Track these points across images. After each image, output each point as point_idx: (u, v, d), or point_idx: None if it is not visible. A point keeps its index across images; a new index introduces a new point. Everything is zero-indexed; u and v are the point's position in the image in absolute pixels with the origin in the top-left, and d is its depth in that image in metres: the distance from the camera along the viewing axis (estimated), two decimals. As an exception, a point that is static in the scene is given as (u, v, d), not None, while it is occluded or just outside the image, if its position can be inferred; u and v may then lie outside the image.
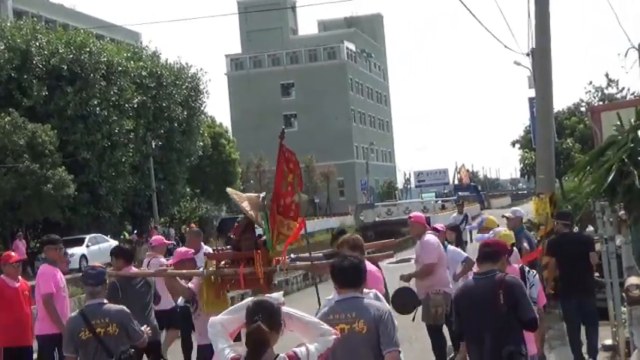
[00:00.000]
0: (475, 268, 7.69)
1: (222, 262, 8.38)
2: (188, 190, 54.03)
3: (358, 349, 5.74)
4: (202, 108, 54.47)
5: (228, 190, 9.09)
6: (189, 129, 51.24)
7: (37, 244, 43.28)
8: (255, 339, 4.43)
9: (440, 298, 10.68)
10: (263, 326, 4.43)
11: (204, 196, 59.70)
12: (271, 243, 8.16)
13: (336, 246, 8.50)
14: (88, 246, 36.42)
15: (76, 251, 35.37)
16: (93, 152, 41.75)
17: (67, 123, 41.21)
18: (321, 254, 9.16)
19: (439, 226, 12.24)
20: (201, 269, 8.64)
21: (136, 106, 45.40)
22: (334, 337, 4.84)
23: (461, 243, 15.71)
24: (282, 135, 8.47)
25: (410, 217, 11.46)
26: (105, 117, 42.46)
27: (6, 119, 37.34)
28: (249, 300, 4.74)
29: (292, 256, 8.96)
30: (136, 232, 46.56)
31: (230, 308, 4.88)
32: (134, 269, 10.16)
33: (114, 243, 38.98)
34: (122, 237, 41.99)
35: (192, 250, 9.46)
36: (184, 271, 8.66)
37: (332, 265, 6.10)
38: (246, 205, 8.28)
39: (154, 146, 47.28)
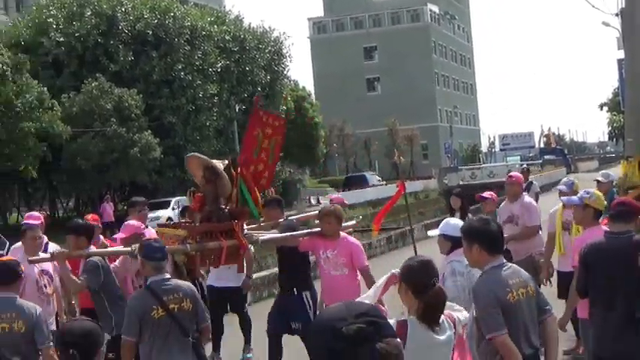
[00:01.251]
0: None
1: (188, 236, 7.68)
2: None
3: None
4: (285, 72, 54.56)
5: (195, 155, 8.37)
6: (272, 93, 51.38)
7: (125, 207, 44.26)
8: (441, 300, 4.54)
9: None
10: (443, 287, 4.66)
11: (287, 159, 59.98)
12: (255, 208, 7.87)
13: (322, 214, 8.36)
14: (173, 209, 36.98)
15: (162, 214, 36.02)
16: (178, 116, 42.26)
17: (152, 87, 41.77)
18: (275, 231, 8.58)
19: (488, 194, 11.85)
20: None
21: (219, 70, 45.69)
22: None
23: None
24: (257, 101, 8.58)
25: (510, 177, 11.07)
26: (189, 81, 42.88)
27: (93, 84, 38.09)
28: (390, 274, 4.76)
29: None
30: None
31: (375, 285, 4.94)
32: (93, 249, 8.15)
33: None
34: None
35: (143, 225, 8.60)
36: (166, 247, 7.79)
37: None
38: (218, 164, 7.90)
39: (237, 110, 47.61)
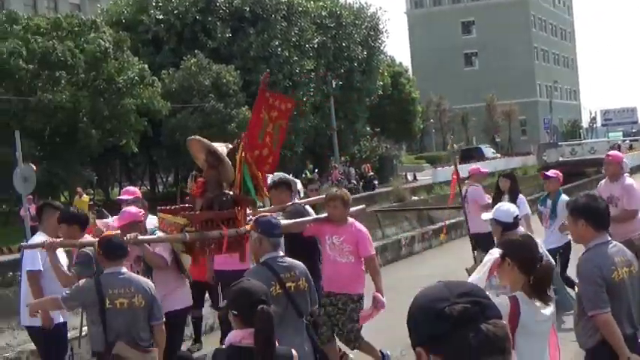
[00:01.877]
0: None
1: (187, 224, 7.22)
2: (368, 129, 54.23)
3: None
4: (382, 47, 54.28)
5: (196, 138, 7.72)
6: (369, 68, 51.19)
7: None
8: (550, 274, 4.61)
9: None
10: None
11: (384, 135, 59.81)
12: (257, 195, 7.37)
13: (328, 197, 7.89)
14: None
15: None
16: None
17: (249, 63, 42.08)
18: (282, 216, 7.91)
19: (552, 172, 11.30)
20: (159, 233, 7.56)
21: (316, 46, 45.71)
22: None
23: None
24: (265, 80, 7.70)
25: (608, 156, 10.70)
26: (286, 57, 43.02)
27: (192, 61, 38.63)
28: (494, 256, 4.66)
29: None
30: (317, 170, 47.29)
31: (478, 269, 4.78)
32: (89, 237, 7.62)
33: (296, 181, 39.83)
34: (304, 176, 42.73)
35: (142, 211, 7.98)
36: (163, 236, 7.52)
37: None
38: (222, 149, 7.35)
39: (334, 86, 47.59)
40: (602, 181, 10.81)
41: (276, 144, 7.51)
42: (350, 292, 7.85)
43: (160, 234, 7.55)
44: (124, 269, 6.33)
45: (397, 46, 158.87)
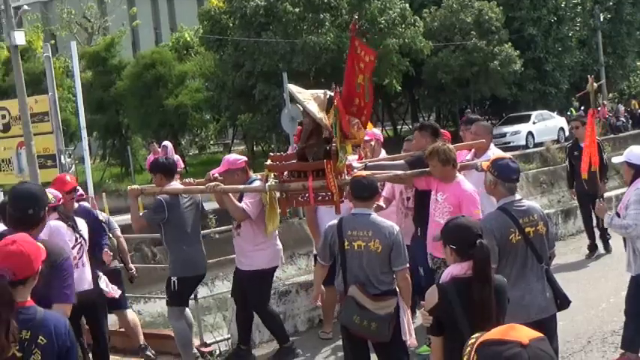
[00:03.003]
0: None
1: (286, 174, 6.99)
2: (639, 63, 51.32)
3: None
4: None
5: (290, 87, 7.39)
6: (640, -1, 48.32)
7: (486, 121, 44.44)
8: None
9: None
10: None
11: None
12: (342, 145, 6.74)
13: (426, 153, 6.94)
14: (534, 123, 36.46)
15: (522, 128, 35.71)
16: (539, 28, 41.19)
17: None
18: (402, 162, 7.46)
19: None
20: (257, 183, 7.40)
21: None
22: None
23: None
24: (354, 28, 6.99)
25: None
26: (551, -9, 41.57)
27: (455, -2, 38.35)
28: None
29: (367, 163, 7.43)
30: (582, 108, 45.58)
31: None
32: (177, 185, 8.00)
33: (560, 120, 38.67)
34: (569, 113, 41.35)
35: (244, 158, 7.93)
36: (241, 186, 7.51)
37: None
38: (312, 106, 6.79)
39: (601, 19, 45.38)
40: None
41: (367, 97, 6.93)
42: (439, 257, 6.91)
43: (257, 183, 7.54)
44: (370, 211, 6.19)
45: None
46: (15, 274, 3.78)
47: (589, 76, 8.98)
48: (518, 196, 5.86)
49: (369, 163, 7.50)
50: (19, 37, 20.77)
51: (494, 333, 2.48)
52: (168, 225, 7.75)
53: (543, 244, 5.79)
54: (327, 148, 6.75)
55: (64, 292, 4.70)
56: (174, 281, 7.81)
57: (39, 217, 4.77)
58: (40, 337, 3.80)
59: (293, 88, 7.17)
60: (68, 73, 37.10)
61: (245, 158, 7.98)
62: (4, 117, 24.02)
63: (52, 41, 39.31)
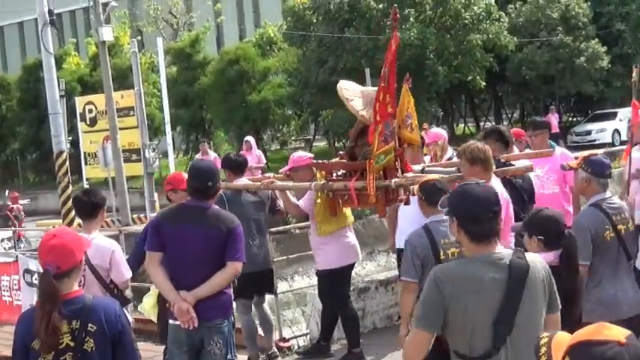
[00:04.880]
0: None
1: (334, 174, 6.86)
2: None
3: None
4: None
5: (339, 83, 7.10)
6: None
7: (570, 118, 43.65)
8: None
9: None
10: None
11: None
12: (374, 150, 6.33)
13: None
14: (620, 120, 35.62)
15: (608, 126, 35.00)
16: (627, 23, 40.22)
17: (600, -6, 40.23)
18: (454, 168, 6.92)
19: None
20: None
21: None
22: None
23: None
24: (396, 15, 6.51)
25: None
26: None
27: (540, -7, 37.73)
28: None
29: (418, 168, 7.03)
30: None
31: None
32: (244, 181, 7.94)
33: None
34: None
35: (310, 155, 7.88)
36: (291, 184, 7.48)
37: None
38: (356, 103, 6.61)
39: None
40: None
41: (387, 83, 6.38)
42: None
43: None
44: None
45: None
46: (59, 267, 3.91)
47: (634, 66, 8.69)
48: (609, 194, 5.75)
49: (427, 168, 7.22)
50: (107, 33, 21.22)
51: (587, 334, 2.35)
52: None
53: (632, 242, 5.73)
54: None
55: (236, 252, 5.51)
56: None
57: (215, 189, 5.69)
58: (90, 324, 3.92)
59: (342, 84, 6.99)
60: (154, 69, 37.78)
61: (311, 155, 7.96)
62: (90, 111, 24.58)
63: (139, 37, 40.20)
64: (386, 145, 6.32)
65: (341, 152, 7.29)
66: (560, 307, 3.80)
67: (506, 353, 3.50)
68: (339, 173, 6.96)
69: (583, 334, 2.36)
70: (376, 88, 6.65)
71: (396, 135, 6.62)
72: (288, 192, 7.57)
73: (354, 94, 6.72)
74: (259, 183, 7.61)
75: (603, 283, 5.49)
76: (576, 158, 6.16)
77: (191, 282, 5.47)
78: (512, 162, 7.04)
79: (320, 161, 7.23)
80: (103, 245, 5.97)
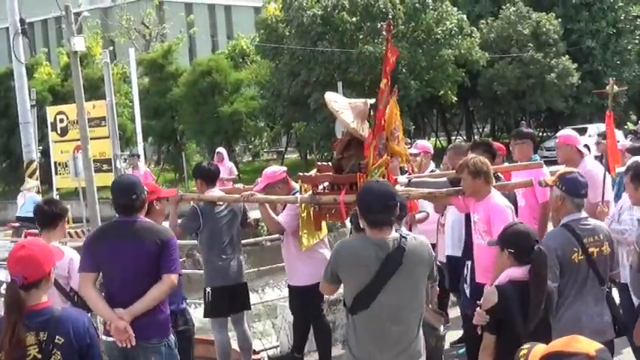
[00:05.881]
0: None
1: (321, 187, 6.63)
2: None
3: None
4: None
5: (326, 95, 6.86)
6: None
7: (541, 133, 44.00)
8: None
9: None
10: None
11: None
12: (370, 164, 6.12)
13: (457, 167, 6.46)
14: (590, 136, 35.91)
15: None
16: (597, 40, 40.74)
17: (571, 11, 40.61)
18: (444, 179, 6.96)
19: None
20: (297, 194, 7.05)
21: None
22: None
23: None
24: (390, 26, 6.36)
25: None
26: (610, 4, 41.03)
27: (511, 9, 38.02)
28: None
29: (411, 179, 6.97)
30: (640, 122, 44.89)
31: None
32: (217, 192, 7.67)
33: (618, 133, 38.06)
34: (625, 127, 40.69)
35: (283, 169, 7.63)
36: (274, 197, 7.16)
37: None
38: (346, 115, 6.43)
39: (663, 32, 44.70)
40: None
41: (383, 103, 6.24)
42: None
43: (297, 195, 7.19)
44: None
45: None
46: (26, 277, 3.88)
47: (611, 78, 8.76)
48: (584, 214, 5.53)
49: (413, 179, 7.09)
50: (79, 43, 20.99)
51: (558, 345, 2.45)
52: (203, 233, 7.60)
53: (606, 266, 5.49)
54: (360, 161, 6.35)
55: (172, 265, 5.39)
56: (208, 292, 7.65)
57: (142, 202, 5.54)
58: (57, 337, 3.89)
59: (330, 97, 6.81)
60: (126, 79, 37.66)
61: (284, 169, 7.72)
62: (62, 121, 24.41)
63: (111, 47, 39.97)
64: (380, 158, 6.26)
65: (319, 163, 7.13)
66: (437, 279, 5.05)
67: (380, 307, 4.45)
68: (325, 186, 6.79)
69: (556, 345, 2.46)
70: (362, 101, 6.64)
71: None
72: (268, 206, 7.34)
73: (343, 106, 6.57)
74: (238, 195, 7.26)
75: (567, 305, 5.34)
76: (552, 174, 6.08)
77: (128, 298, 5.33)
78: (499, 174, 6.99)
79: (306, 174, 6.90)
80: (60, 254, 5.85)
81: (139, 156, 22.30)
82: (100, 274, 5.49)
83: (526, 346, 2.63)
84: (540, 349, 2.52)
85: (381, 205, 4.48)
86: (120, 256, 5.35)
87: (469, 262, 6.77)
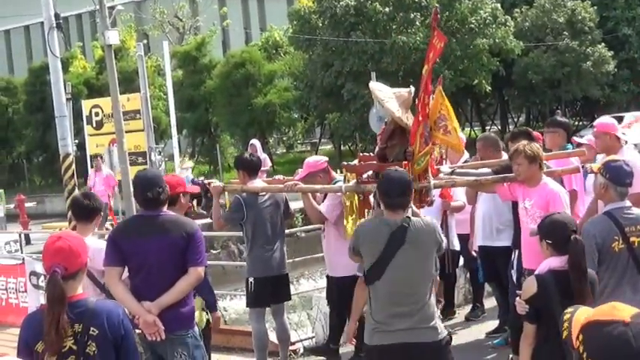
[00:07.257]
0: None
1: (365, 176, 6.58)
2: None
3: None
4: None
5: (371, 85, 6.97)
6: None
7: (577, 122, 43.59)
8: None
9: None
10: None
11: None
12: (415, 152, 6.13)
13: (510, 153, 6.53)
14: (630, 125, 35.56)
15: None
16: (633, 27, 40.18)
17: (607, -1, 40.19)
18: (488, 170, 6.96)
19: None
20: (341, 184, 6.95)
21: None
22: None
23: None
24: (437, 15, 6.50)
25: None
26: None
27: (547, -3, 37.72)
28: None
29: (447, 169, 6.92)
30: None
31: None
32: (260, 183, 7.71)
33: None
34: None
35: (325, 159, 7.70)
36: (318, 186, 7.22)
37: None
38: (391, 104, 6.39)
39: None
40: None
41: (424, 89, 6.28)
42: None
43: (341, 184, 7.14)
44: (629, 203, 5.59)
45: None
46: (66, 268, 3.90)
47: None
48: (628, 203, 5.48)
49: (457, 169, 7.11)
50: (113, 37, 21.21)
51: (598, 313, 2.49)
52: (247, 224, 7.63)
53: None
54: (406, 149, 6.37)
55: (198, 257, 5.44)
56: (250, 282, 7.68)
57: (166, 196, 5.57)
58: (92, 328, 3.90)
59: (375, 86, 6.88)
60: (160, 72, 37.86)
61: (326, 159, 7.80)
62: (97, 114, 24.62)
63: (145, 41, 40.26)
64: (426, 146, 6.29)
65: (361, 154, 7.05)
66: (439, 268, 5.43)
67: (390, 278, 5.04)
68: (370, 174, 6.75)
69: (596, 313, 2.51)
70: (406, 89, 6.62)
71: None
72: (311, 196, 7.37)
73: (387, 95, 6.56)
74: (282, 185, 7.32)
75: (605, 294, 5.22)
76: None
77: (155, 292, 5.37)
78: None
79: (350, 163, 6.92)
80: (94, 247, 5.84)
81: (102, 157, 22.08)
82: (126, 268, 5.52)
83: (569, 309, 2.66)
84: (582, 314, 2.54)
85: (397, 191, 5.13)
86: (145, 249, 5.39)
87: (517, 251, 6.88)
